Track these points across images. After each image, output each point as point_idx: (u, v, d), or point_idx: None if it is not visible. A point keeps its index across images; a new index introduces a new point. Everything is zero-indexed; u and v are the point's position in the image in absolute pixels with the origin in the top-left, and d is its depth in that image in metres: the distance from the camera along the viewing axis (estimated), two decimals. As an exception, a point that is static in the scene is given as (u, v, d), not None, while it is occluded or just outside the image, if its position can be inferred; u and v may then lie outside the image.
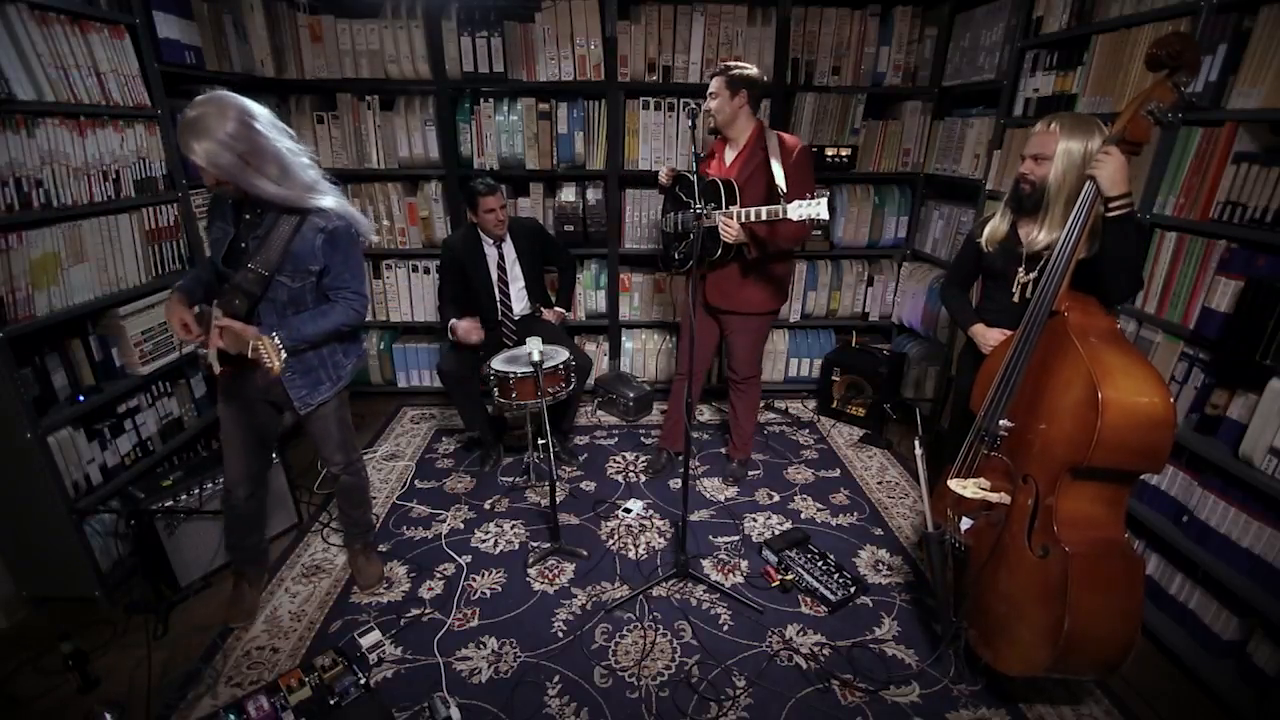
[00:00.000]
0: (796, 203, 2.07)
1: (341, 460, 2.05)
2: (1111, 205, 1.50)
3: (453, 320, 2.71)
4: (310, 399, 1.88)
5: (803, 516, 2.61)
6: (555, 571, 2.28)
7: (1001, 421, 1.62)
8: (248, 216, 1.73)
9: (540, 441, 2.72)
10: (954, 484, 1.71)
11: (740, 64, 2.31)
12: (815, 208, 2.06)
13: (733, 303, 2.47)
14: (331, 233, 1.75)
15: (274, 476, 2.40)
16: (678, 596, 2.16)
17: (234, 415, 1.92)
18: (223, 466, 1.99)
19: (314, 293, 1.80)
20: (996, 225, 1.87)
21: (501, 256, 2.82)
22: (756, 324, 2.53)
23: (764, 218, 2.17)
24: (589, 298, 3.59)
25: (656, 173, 2.59)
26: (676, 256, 2.54)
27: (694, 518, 2.58)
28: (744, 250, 2.35)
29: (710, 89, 2.32)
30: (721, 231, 2.23)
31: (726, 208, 2.25)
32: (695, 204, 2.01)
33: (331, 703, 1.67)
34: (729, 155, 2.42)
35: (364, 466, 2.17)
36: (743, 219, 2.20)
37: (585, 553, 2.34)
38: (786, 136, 2.31)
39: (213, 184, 1.62)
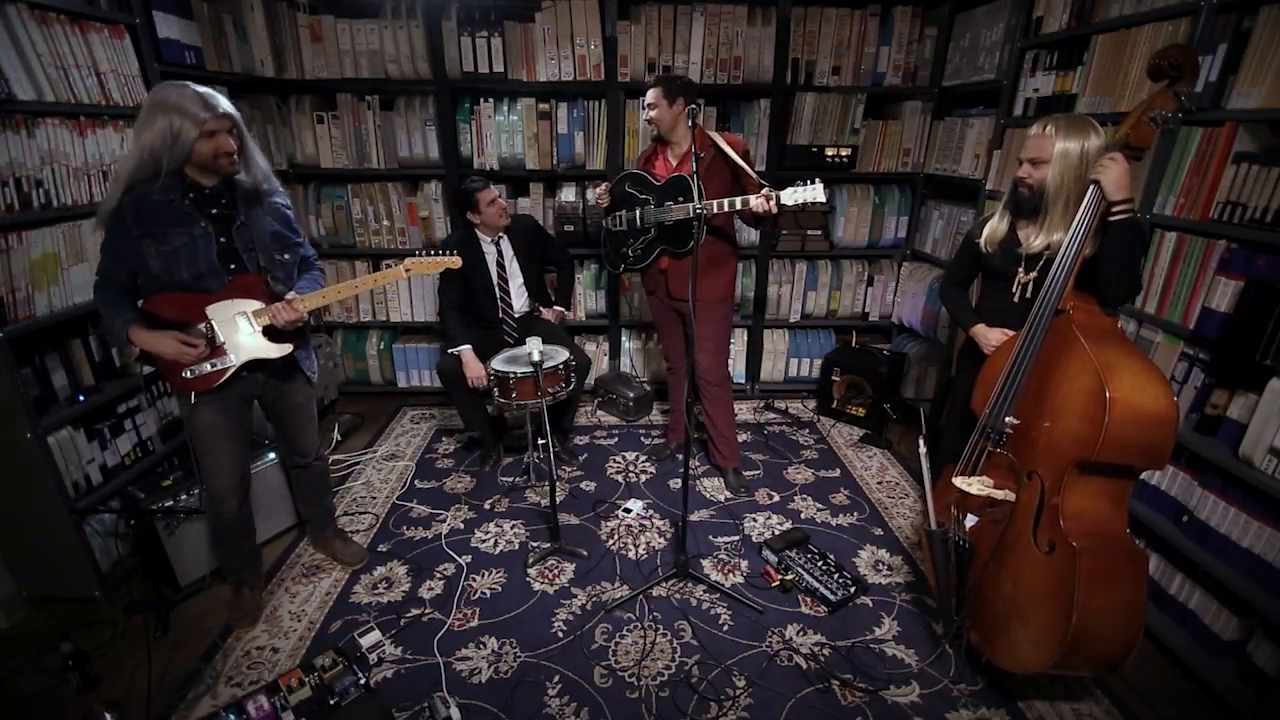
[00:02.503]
0: (790, 189, 2.13)
1: (318, 443, 2.14)
2: (1115, 209, 1.52)
3: (467, 350, 2.67)
4: (312, 368, 2.01)
5: (803, 516, 2.61)
6: (555, 571, 2.28)
7: (1007, 419, 1.63)
8: (214, 211, 1.70)
9: (540, 441, 2.72)
10: (959, 481, 1.72)
11: (675, 74, 2.35)
12: (811, 191, 2.11)
13: (696, 291, 2.49)
14: (289, 206, 1.88)
15: (272, 476, 2.40)
16: (678, 596, 2.16)
17: (223, 424, 1.84)
18: (209, 482, 1.88)
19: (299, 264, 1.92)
20: (995, 226, 1.87)
21: (500, 254, 2.81)
22: (719, 312, 2.57)
23: (737, 207, 2.21)
24: (589, 298, 3.59)
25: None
26: (631, 254, 2.56)
27: (694, 518, 2.58)
28: (711, 228, 2.40)
29: (649, 99, 2.35)
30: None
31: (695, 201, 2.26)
32: (696, 201, 2.03)
33: (331, 703, 1.67)
34: (673, 157, 2.46)
35: None
36: (725, 208, 2.22)
37: (585, 553, 2.34)
38: (729, 135, 2.37)
39: (229, 151, 1.63)
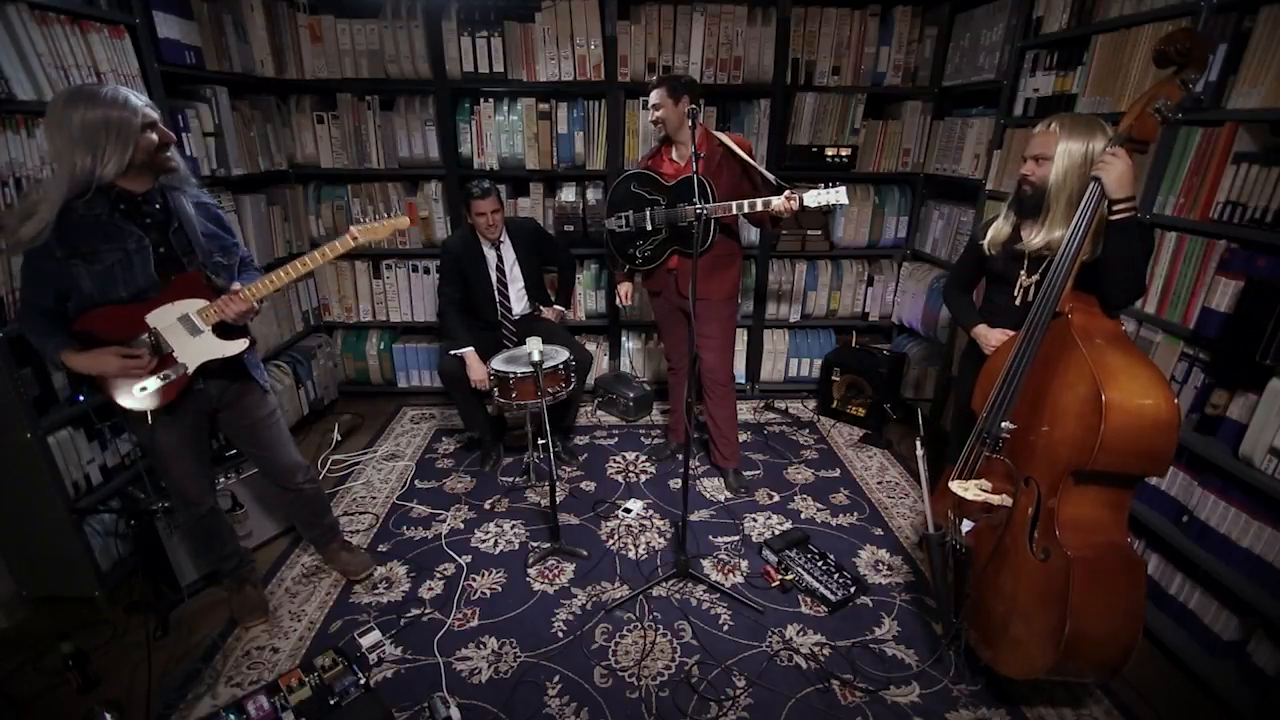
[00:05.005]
0: (814, 191, 2.13)
1: (303, 461, 2.06)
2: (1116, 208, 1.49)
3: (470, 351, 2.67)
4: (264, 376, 1.93)
5: (803, 516, 2.61)
6: (555, 571, 2.28)
7: (1004, 423, 1.61)
8: (149, 220, 1.60)
9: (540, 441, 2.72)
10: (955, 485, 1.70)
11: (678, 73, 2.35)
12: (834, 194, 2.12)
13: (701, 291, 2.51)
14: (220, 206, 1.81)
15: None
16: (678, 596, 2.16)
17: (181, 439, 1.80)
18: (177, 495, 1.88)
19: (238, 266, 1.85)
20: (999, 228, 1.86)
21: (500, 259, 2.81)
22: (726, 310, 2.58)
23: (758, 208, 2.21)
24: (589, 298, 3.59)
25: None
26: (639, 256, 2.55)
27: (694, 518, 2.58)
28: (720, 227, 2.42)
29: (653, 100, 2.34)
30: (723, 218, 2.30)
31: (701, 201, 2.25)
32: (696, 201, 2.03)
33: (331, 703, 1.67)
34: (679, 157, 2.46)
35: None
36: (746, 210, 2.22)
37: (585, 553, 2.34)
38: (734, 135, 2.36)
39: (172, 140, 1.58)
